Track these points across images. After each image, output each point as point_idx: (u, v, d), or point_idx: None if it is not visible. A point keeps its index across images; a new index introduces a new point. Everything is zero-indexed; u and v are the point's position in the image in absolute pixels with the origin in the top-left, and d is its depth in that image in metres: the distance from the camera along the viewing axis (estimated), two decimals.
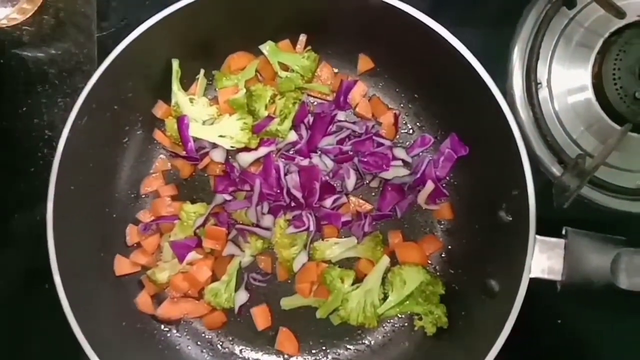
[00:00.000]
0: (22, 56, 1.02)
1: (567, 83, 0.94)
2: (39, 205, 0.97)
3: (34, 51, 1.02)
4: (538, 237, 0.75)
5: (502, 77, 0.96)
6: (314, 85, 0.92)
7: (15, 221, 1.00)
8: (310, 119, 0.92)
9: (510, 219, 0.80)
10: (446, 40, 0.77)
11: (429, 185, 0.91)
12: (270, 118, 0.87)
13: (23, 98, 1.01)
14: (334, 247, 0.90)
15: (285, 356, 0.93)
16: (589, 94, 0.92)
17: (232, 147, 0.88)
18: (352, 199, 0.93)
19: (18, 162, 1.01)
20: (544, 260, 0.75)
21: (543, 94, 0.94)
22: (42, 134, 1.00)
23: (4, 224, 1.00)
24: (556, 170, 0.94)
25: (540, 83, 0.95)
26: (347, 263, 0.93)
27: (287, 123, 0.88)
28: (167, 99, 0.92)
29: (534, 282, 0.74)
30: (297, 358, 0.92)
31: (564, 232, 0.76)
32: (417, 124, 0.95)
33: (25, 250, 0.99)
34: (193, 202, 0.92)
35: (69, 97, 1.01)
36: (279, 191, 0.89)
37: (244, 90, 0.89)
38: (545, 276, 0.75)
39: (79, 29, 1.02)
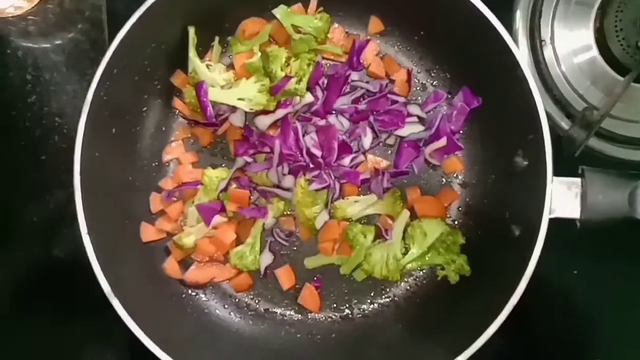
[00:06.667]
0: (29, 46, 1.03)
1: (572, 43, 0.96)
2: (52, 193, 1.00)
3: (41, 41, 1.03)
4: (555, 178, 0.76)
5: None
6: (327, 46, 0.94)
7: (28, 210, 1.00)
8: (324, 80, 0.94)
9: (527, 163, 0.82)
10: None
11: (440, 141, 0.92)
12: (287, 78, 0.89)
13: (31, 87, 1.02)
14: (354, 205, 0.92)
15: (311, 314, 0.94)
16: (594, 52, 0.95)
17: (251, 109, 0.89)
18: (370, 156, 0.95)
19: (29, 150, 1.02)
20: (562, 199, 0.76)
21: (549, 55, 0.96)
22: (52, 122, 1.01)
23: (17, 213, 1.01)
24: (565, 124, 0.97)
25: (544, 41, 0.97)
26: (366, 221, 0.94)
27: (304, 84, 0.90)
28: (184, 68, 0.94)
29: (549, 233, 0.75)
30: (323, 315, 0.94)
31: (580, 171, 0.78)
32: (429, 80, 0.97)
33: (39, 238, 1.00)
34: (214, 168, 0.94)
35: (77, 84, 1.02)
36: (298, 152, 0.91)
37: (259, 54, 0.91)
38: (565, 215, 0.76)
39: (84, 15, 1.04)
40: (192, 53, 0.90)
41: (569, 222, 0.77)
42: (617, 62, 0.93)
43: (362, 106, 0.93)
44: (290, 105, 0.92)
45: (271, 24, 0.94)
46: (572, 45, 0.96)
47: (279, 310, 0.94)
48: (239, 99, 0.89)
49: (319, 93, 0.93)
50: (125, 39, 0.81)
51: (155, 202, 0.93)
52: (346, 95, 0.94)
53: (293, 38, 0.92)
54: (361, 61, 0.94)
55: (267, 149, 0.92)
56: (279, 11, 0.92)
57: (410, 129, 0.94)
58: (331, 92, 0.93)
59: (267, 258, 0.93)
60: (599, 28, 0.95)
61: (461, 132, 0.95)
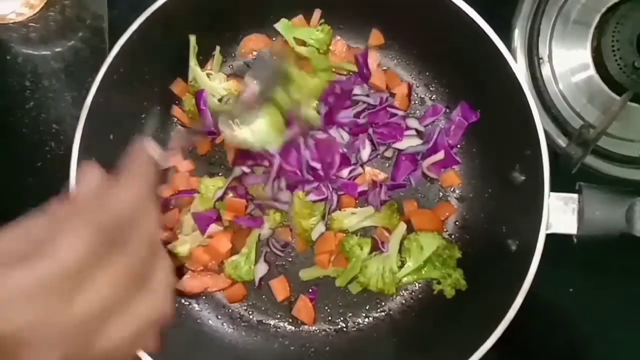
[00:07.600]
0: (29, 53, 1.03)
1: (569, 62, 0.97)
2: (48, 200, 0.98)
3: (41, 48, 1.03)
4: (552, 193, 0.76)
5: None
6: (342, 64, 0.95)
7: (22, 217, 1.00)
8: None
9: (524, 178, 0.82)
10: (452, 3, 0.79)
11: (438, 154, 0.93)
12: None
13: (30, 93, 1.02)
14: (351, 217, 0.92)
15: (305, 326, 0.93)
16: (591, 71, 0.96)
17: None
18: (367, 169, 0.95)
19: (25, 157, 1.01)
20: (559, 215, 0.76)
21: (546, 73, 0.97)
22: (49, 129, 1.01)
23: (11, 220, 0.99)
24: (562, 142, 0.97)
25: (542, 59, 0.98)
26: (363, 234, 0.94)
27: (314, 110, 0.91)
28: (184, 76, 0.94)
29: (546, 249, 0.75)
30: (317, 327, 0.93)
31: (577, 187, 0.78)
32: (428, 94, 0.98)
33: None
34: (211, 177, 0.94)
35: (76, 92, 1.02)
36: (297, 171, 0.91)
37: None
38: (562, 231, 0.76)
39: (85, 24, 1.04)
40: (192, 62, 0.91)
41: (566, 237, 0.77)
42: (613, 81, 0.94)
43: (362, 120, 0.94)
44: (295, 124, 0.91)
45: (274, 44, 0.94)
46: (569, 63, 0.97)
47: (272, 322, 0.93)
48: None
49: (322, 108, 0.93)
50: (126, 46, 0.82)
51: None
52: (348, 109, 0.94)
53: (296, 51, 0.92)
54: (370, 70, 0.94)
55: (266, 162, 0.92)
56: (281, 25, 0.93)
57: (409, 142, 0.94)
58: (335, 107, 0.93)
59: (262, 269, 0.93)
60: (596, 47, 0.96)
61: (459, 146, 0.95)
